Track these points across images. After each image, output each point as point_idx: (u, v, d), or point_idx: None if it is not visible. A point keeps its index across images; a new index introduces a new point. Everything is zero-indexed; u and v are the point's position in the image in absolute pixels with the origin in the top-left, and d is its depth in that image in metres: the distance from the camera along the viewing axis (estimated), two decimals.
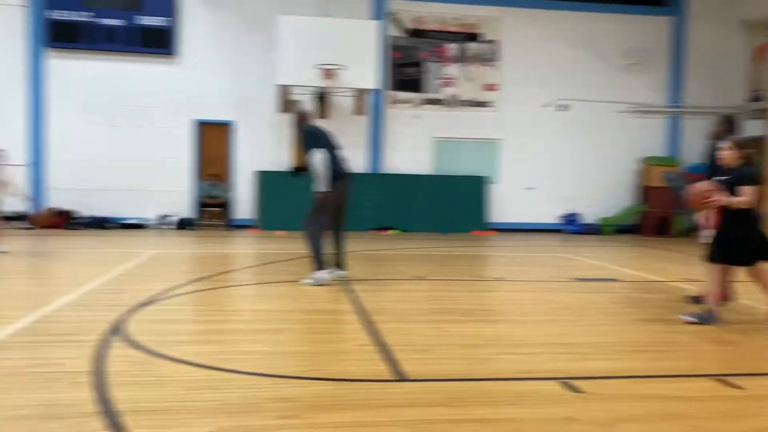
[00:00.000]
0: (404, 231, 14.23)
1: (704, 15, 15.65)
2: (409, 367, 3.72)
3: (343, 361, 3.90)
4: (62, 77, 13.71)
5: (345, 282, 6.73)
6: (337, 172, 6.62)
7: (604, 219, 15.31)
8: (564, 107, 15.39)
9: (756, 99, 15.22)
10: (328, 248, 6.68)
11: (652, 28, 15.64)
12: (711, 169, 6.00)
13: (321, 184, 6.48)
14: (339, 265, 6.90)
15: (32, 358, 3.82)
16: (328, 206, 6.64)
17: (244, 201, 14.44)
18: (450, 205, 14.67)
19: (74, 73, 13.76)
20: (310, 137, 6.67)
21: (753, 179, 5.05)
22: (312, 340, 4.51)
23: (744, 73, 15.69)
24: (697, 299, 6.09)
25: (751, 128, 15.19)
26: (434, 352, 4.16)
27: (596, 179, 15.61)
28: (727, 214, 5.09)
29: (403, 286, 6.92)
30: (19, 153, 13.56)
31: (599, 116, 15.50)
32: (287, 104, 13.67)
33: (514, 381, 3.56)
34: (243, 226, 14.08)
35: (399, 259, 9.44)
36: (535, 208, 15.46)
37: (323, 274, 6.55)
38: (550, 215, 15.53)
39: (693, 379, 3.67)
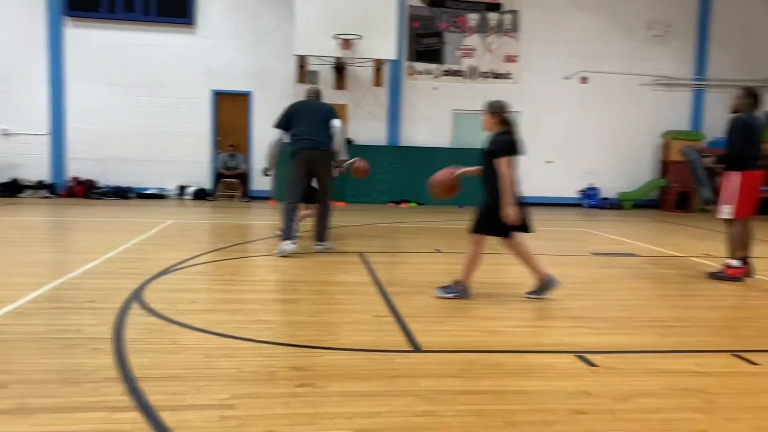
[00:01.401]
0: (421, 204, 14.20)
1: None
2: (423, 338, 3.74)
3: (358, 332, 3.92)
4: (81, 46, 13.73)
5: (362, 254, 6.74)
6: (295, 147, 6.83)
7: (624, 194, 15.14)
8: (585, 79, 15.13)
9: None
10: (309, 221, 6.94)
11: None
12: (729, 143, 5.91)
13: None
14: (318, 237, 7.02)
15: (51, 324, 3.88)
16: (294, 179, 6.83)
17: (261, 172, 14.47)
18: (468, 179, 14.56)
19: (93, 42, 13.77)
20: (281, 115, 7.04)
21: (506, 149, 4.73)
22: (328, 310, 4.54)
23: None
24: (716, 275, 6.04)
25: None
26: (449, 324, 4.16)
27: (617, 153, 15.41)
28: (486, 185, 4.84)
29: (419, 259, 6.92)
30: (41, 122, 13.71)
31: (621, 89, 15.23)
32: (305, 75, 13.61)
33: (527, 354, 3.56)
34: (260, 197, 14.13)
35: (416, 232, 9.43)
36: (555, 182, 15.31)
37: (286, 245, 6.63)
38: (569, 189, 15.40)
39: (709, 354, 3.65)
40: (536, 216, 12.74)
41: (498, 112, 4.90)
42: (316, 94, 7.25)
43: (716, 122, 14.16)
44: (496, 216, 4.76)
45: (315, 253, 6.83)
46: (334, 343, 3.64)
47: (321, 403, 2.74)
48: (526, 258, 5.00)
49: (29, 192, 13.51)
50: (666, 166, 14.96)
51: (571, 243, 8.62)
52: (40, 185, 13.64)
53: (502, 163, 4.72)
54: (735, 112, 5.98)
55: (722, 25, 15.30)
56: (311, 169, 6.89)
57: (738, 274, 5.92)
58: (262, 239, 8.11)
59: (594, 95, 15.18)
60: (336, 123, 6.87)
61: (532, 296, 4.99)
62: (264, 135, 14.23)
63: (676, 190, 14.47)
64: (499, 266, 6.77)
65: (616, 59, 15.14)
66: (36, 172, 13.76)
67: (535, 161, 15.20)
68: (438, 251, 7.45)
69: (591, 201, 15.06)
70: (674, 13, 15.24)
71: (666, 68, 15.34)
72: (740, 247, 5.98)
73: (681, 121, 15.47)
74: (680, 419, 2.68)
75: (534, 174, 15.15)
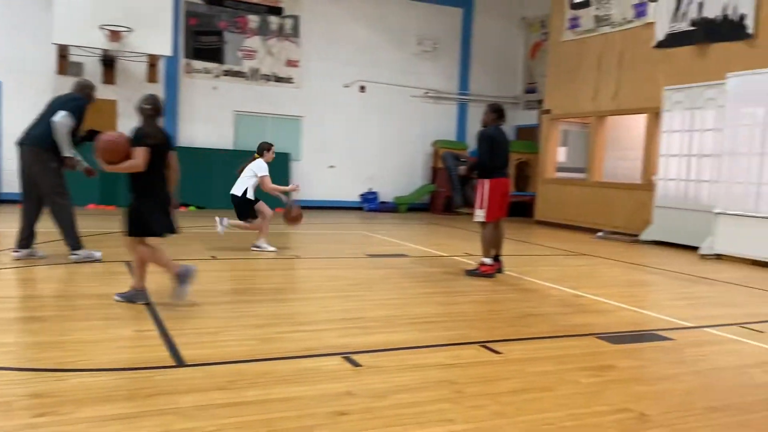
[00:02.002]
0: (201, 208, 13.69)
1: (490, 9, 16.96)
2: (189, 352, 3.57)
3: (116, 350, 3.62)
4: None
5: (128, 263, 6.27)
6: None
7: (399, 198, 16.07)
8: (363, 88, 15.79)
9: (531, 91, 16.92)
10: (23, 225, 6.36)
11: (444, 17, 16.57)
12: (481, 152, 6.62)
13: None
14: (70, 246, 6.37)
15: None
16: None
17: (12, 172, 12.81)
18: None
19: None
20: None
21: (140, 140, 4.57)
22: (82, 327, 4.12)
23: (522, 67, 17.33)
24: (471, 272, 6.66)
25: (528, 117, 16.88)
26: (220, 335, 4.03)
27: (394, 159, 16.30)
28: (129, 185, 4.68)
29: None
30: None
31: (397, 99, 16.16)
32: (67, 66, 12.38)
33: (297, 359, 3.58)
34: (11, 201, 12.50)
35: (193, 238, 9.04)
36: (337, 187, 15.75)
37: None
38: (351, 193, 15.93)
39: (461, 346, 3.98)
40: (318, 219, 13.01)
41: (145, 106, 4.67)
42: (76, 87, 6.55)
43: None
44: (142, 215, 4.64)
45: (72, 263, 6.20)
46: (86, 364, 3.32)
47: None
48: (155, 261, 4.75)
49: None
50: (435, 173, 16.18)
51: (350, 245, 8.91)
52: None
53: (137, 153, 4.52)
54: (484, 125, 6.69)
55: (481, 46, 16.97)
56: (22, 167, 6.24)
57: (490, 271, 6.60)
58: (7, 249, 7.16)
59: (372, 104, 15.90)
60: (56, 117, 6.07)
61: (121, 299, 4.72)
62: (17, 129, 12.67)
63: (443, 194, 15.71)
64: (280, 271, 6.75)
65: (390, 71, 16.03)
66: None
67: (319, 166, 15.53)
68: (214, 258, 7.22)
69: (370, 205, 15.74)
70: (441, 31, 16.55)
71: (434, 82, 16.61)
72: (491, 246, 6.67)
73: (448, 131, 16.84)
74: (431, 411, 2.88)
75: (318, 178, 15.46)
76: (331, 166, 15.67)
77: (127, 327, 4.09)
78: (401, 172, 16.42)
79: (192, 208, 13.63)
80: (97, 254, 6.44)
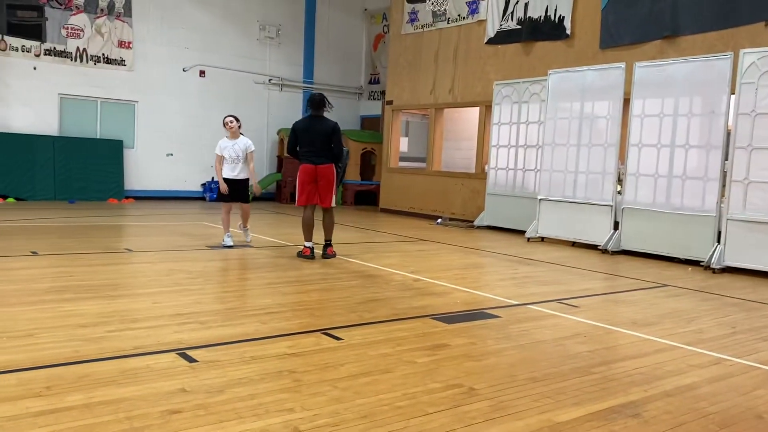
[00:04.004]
0: (21, 199, 12.45)
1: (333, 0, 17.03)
2: (4, 357, 3.23)
3: None
4: None
5: None
6: None
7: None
8: (203, 73, 15.19)
9: (375, 81, 17.27)
10: None
11: (287, 4, 16.39)
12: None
13: None
14: None
15: None
16: None
17: None
18: (79, 171, 13.34)
19: None
20: None
21: None
22: None
23: (365, 58, 17.63)
24: (299, 253, 6.80)
25: (372, 108, 17.21)
26: (37, 337, 3.69)
27: None
28: None
29: (9, 264, 6.02)
30: None
31: (241, 86, 15.75)
32: None
33: (126, 358, 3.37)
34: None
35: (11, 233, 8.20)
36: (177, 176, 15.06)
37: None
38: (192, 183, 15.31)
39: (302, 335, 3.98)
40: (156, 210, 12.35)
41: None
42: None
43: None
44: None
45: None
46: None
47: None
48: None
49: None
50: (281, 161, 16.01)
51: (189, 237, 8.56)
52: None
53: None
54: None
55: (324, 36, 17.02)
56: None
57: (306, 253, 7.02)
58: None
59: (212, 90, 15.36)
60: None
61: None
62: None
63: (290, 183, 15.61)
64: (111, 266, 6.32)
65: (235, 57, 15.57)
66: None
67: (156, 154, 14.73)
68: (35, 253, 6.60)
69: (213, 195, 15.22)
70: (285, 18, 16.36)
71: (279, 70, 16.40)
72: (306, 229, 7.08)
73: (294, 120, 16.68)
74: (269, 402, 2.84)
75: (155, 167, 14.67)
76: (170, 154, 14.94)
77: None
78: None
79: (11, 199, 12.35)
80: None
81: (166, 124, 14.81)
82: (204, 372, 3.20)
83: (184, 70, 14.92)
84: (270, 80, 16.21)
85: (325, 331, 4.05)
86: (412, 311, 4.80)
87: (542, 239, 9.93)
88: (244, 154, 7.69)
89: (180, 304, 4.75)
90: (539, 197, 9.98)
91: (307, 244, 7.01)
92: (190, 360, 3.36)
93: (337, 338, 3.92)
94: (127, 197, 13.99)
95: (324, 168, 6.93)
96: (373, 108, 17.04)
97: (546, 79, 10.14)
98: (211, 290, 5.40)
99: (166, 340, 3.75)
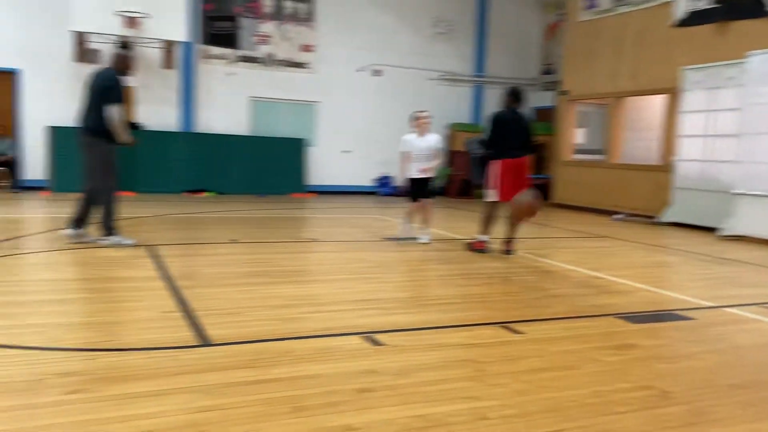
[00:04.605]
0: (219, 193, 13.78)
1: None
2: (214, 332, 3.63)
3: (142, 330, 3.69)
4: None
5: (151, 247, 6.36)
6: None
7: None
8: (378, 72, 15.74)
9: (547, 72, 16.76)
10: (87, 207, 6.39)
11: None
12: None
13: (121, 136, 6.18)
14: (105, 230, 6.43)
15: None
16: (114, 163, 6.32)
17: (33, 160, 12.99)
18: (267, 167, 14.45)
19: None
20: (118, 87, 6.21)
21: None
22: (109, 309, 4.21)
23: (538, 48, 17.16)
24: (469, 246, 6.79)
25: (545, 99, 16.73)
26: (242, 315, 4.09)
27: None
28: None
29: (214, 250, 6.71)
30: None
31: (412, 82, 16.08)
32: (84, 53, 12.46)
33: (318, 338, 3.62)
34: (33, 187, 12.67)
35: (212, 223, 9.13)
36: (352, 171, 15.76)
37: (120, 240, 6.28)
38: (366, 178, 15.94)
39: (482, 327, 4.00)
40: (334, 204, 13.03)
41: None
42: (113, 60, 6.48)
43: None
44: None
45: (97, 247, 6.28)
46: (113, 344, 3.39)
47: (93, 409, 2.53)
48: None
49: None
50: (452, 156, 16.13)
51: (366, 229, 8.95)
52: None
53: None
54: (504, 107, 6.78)
55: (497, 28, 16.81)
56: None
57: (479, 247, 6.91)
58: (36, 234, 7.28)
59: (387, 88, 15.84)
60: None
61: None
62: (38, 116, 12.82)
63: (459, 178, 15.67)
64: (299, 254, 6.81)
65: (406, 54, 15.93)
66: None
67: (334, 151, 15.54)
68: (235, 241, 7.29)
69: (385, 189, 15.74)
70: (456, 13, 16.41)
71: (450, 64, 16.49)
72: (487, 224, 6.93)
73: (463, 114, 16.75)
74: (455, 389, 2.91)
75: (332, 163, 15.49)
76: (346, 151, 15.68)
77: (153, 309, 4.15)
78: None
79: (210, 193, 13.73)
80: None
81: (344, 123, 15.57)
82: (390, 355, 3.35)
83: (360, 70, 15.56)
84: (441, 75, 16.38)
85: (504, 325, 4.04)
86: (594, 309, 4.63)
87: (738, 237, 9.03)
88: (433, 151, 7.51)
89: (362, 290, 5.00)
90: (735, 192, 9.08)
91: (484, 237, 6.97)
92: (376, 343, 3.53)
93: (517, 332, 3.89)
94: (308, 192, 14.93)
95: (526, 161, 6.86)
96: (546, 99, 16.55)
97: (745, 62, 9.19)
98: (390, 279, 5.61)
99: (353, 324, 3.97)
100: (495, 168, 6.72)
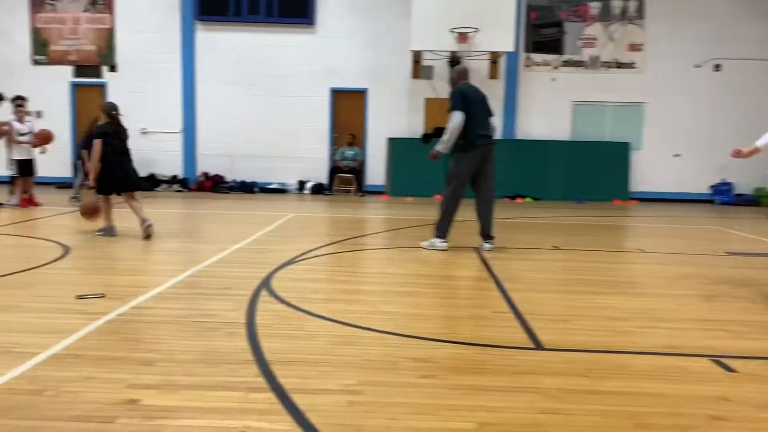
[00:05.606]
0: (537, 199, 13.89)
1: None
2: (545, 336, 3.68)
3: (479, 327, 3.91)
4: (210, 49, 14.61)
5: (477, 249, 6.72)
6: (475, 136, 6.54)
7: (761, 189, 14.02)
8: (718, 67, 14.13)
9: None
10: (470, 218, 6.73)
11: None
12: None
13: (447, 146, 6.55)
14: (484, 236, 6.79)
15: (191, 309, 4.18)
16: (461, 172, 6.62)
17: (375, 167, 14.75)
18: (588, 173, 14.11)
19: (220, 44, 14.61)
20: (457, 97, 6.60)
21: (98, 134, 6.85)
22: (447, 304, 4.57)
23: None
24: None
25: None
26: (571, 323, 4.06)
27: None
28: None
29: (536, 255, 6.79)
30: (174, 120, 14.74)
31: (759, 76, 14.09)
32: (420, 70, 13.71)
33: (657, 356, 3.40)
34: (374, 192, 14.39)
35: (532, 228, 9.24)
36: (682, 177, 14.47)
37: (439, 243, 6.64)
38: (698, 184, 14.49)
39: None
40: (662, 212, 12.14)
41: (106, 110, 6.97)
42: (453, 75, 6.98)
43: None
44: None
45: (423, 248, 6.81)
46: (453, 337, 3.66)
47: (443, 395, 2.78)
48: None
49: (164, 186, 14.57)
50: None
51: (702, 241, 8.11)
52: (174, 180, 14.68)
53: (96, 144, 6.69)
54: None
55: None
56: (486, 162, 6.72)
57: None
58: (378, 233, 8.27)
59: (727, 84, 14.16)
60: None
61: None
62: (379, 128, 14.54)
63: None
64: (624, 264, 6.50)
65: (753, 44, 14.02)
66: (171, 168, 14.82)
67: (662, 155, 14.45)
68: (556, 248, 7.27)
69: (723, 197, 14.07)
70: None
71: None
72: None
73: None
74: None
75: (661, 168, 14.41)
76: (677, 155, 14.43)
77: (485, 308, 4.38)
78: (763, 160, 14.24)
79: (528, 199, 13.92)
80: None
81: (674, 124, 14.37)
82: (745, 384, 2.99)
83: (696, 67, 14.18)
84: None
85: None
86: None
87: None
88: None
89: (703, 308, 4.55)
90: None
91: None
92: (727, 369, 3.18)
93: None
94: (631, 198, 14.13)
95: None
96: None
97: None
98: (734, 299, 4.98)
99: (697, 344, 3.64)
100: None
